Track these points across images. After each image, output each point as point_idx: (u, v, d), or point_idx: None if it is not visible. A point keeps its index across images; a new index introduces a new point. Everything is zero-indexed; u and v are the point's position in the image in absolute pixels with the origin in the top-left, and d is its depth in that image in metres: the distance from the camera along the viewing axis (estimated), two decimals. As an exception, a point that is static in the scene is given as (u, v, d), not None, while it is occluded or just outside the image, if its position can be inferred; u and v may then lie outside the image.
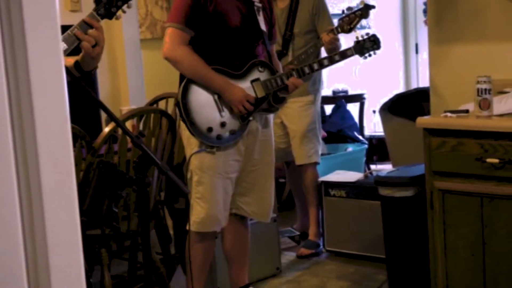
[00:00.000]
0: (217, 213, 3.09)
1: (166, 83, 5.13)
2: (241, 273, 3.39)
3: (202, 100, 3.00)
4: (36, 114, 0.79)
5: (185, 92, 2.98)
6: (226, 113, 3.02)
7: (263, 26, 3.11)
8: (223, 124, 3.01)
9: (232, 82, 3.03)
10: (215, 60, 3.00)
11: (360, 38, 3.32)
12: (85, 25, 1.94)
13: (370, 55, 3.31)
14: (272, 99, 3.13)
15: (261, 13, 3.12)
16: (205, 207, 3.05)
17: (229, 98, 3.00)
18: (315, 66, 3.25)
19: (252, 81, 3.08)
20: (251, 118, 3.08)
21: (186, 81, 2.99)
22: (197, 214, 3.07)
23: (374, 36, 3.32)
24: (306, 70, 3.19)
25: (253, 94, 3.06)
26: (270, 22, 3.21)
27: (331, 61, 3.30)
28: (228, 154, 3.05)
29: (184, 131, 3.06)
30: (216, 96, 3.01)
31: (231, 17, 3.01)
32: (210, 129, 2.98)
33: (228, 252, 3.36)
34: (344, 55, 3.30)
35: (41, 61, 0.79)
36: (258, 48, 3.16)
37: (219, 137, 3.00)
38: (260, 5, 3.12)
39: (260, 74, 3.11)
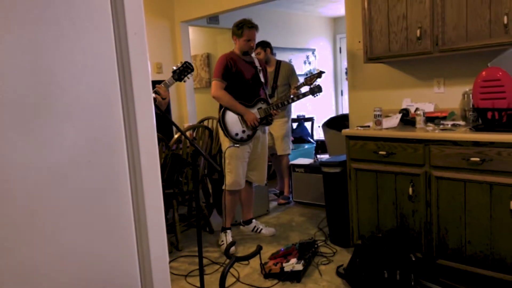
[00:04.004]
0: (240, 180, 3.10)
1: (206, 112, 5.13)
2: (248, 212, 3.39)
3: (232, 119, 3.05)
4: (139, 128, 0.80)
5: (223, 115, 3.04)
6: (245, 126, 3.06)
7: (262, 79, 3.16)
8: (244, 131, 3.06)
9: (248, 109, 3.07)
10: (238, 97, 3.05)
11: (312, 85, 3.34)
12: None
13: (317, 95, 3.31)
14: (268, 118, 3.16)
15: (261, 72, 3.17)
16: (232, 177, 3.07)
17: (247, 117, 3.05)
18: (289, 100, 3.28)
19: (258, 109, 3.12)
20: (257, 128, 3.13)
21: (224, 109, 3.04)
22: (228, 180, 3.09)
23: (319, 87, 3.34)
24: (285, 102, 3.25)
25: (258, 116, 3.11)
26: (265, 76, 3.24)
27: (298, 97, 3.32)
28: (244, 148, 3.08)
29: (220, 135, 3.09)
30: (239, 117, 3.06)
31: (245, 74, 3.06)
32: (237, 134, 3.04)
33: (242, 200, 3.36)
34: (304, 95, 3.31)
35: (141, 102, 0.80)
36: (261, 91, 3.19)
37: (242, 138, 3.05)
38: (260, 68, 3.17)
39: (261, 105, 3.15)
